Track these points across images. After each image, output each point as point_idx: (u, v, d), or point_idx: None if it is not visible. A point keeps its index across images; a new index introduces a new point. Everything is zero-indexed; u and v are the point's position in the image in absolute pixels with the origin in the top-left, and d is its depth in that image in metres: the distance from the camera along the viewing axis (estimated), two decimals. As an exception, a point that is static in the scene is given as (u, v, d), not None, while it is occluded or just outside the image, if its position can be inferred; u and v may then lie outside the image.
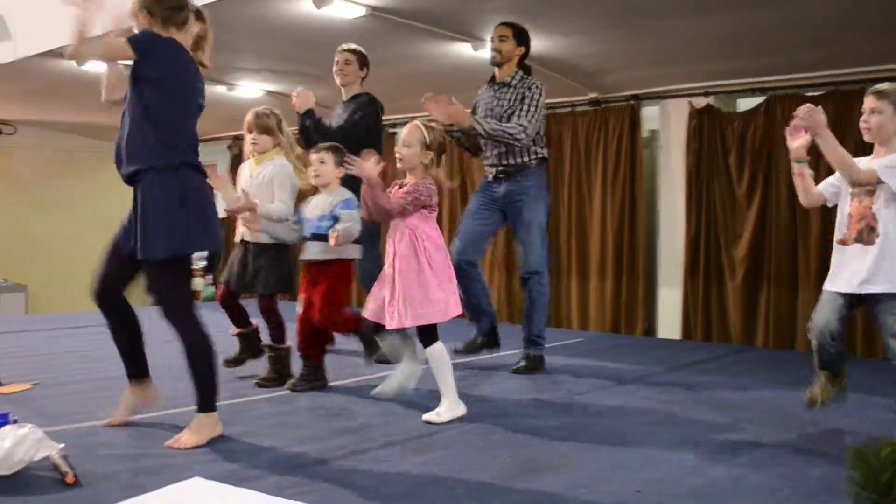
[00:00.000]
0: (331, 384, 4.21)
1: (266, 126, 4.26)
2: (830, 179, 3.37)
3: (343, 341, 4.69)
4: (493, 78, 4.79)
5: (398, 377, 3.62)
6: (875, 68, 5.44)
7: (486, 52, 5.15)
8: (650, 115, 6.85)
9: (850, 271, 3.14)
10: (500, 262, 7.43)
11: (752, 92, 6.25)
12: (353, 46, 4.96)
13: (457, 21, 5.25)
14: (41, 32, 5.90)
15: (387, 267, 3.58)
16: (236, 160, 9.23)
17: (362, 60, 4.96)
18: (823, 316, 3.20)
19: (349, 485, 2.63)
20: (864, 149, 3.35)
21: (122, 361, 3.31)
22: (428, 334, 3.54)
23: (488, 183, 4.78)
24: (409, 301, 3.46)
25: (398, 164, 3.67)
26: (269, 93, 7.56)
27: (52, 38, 5.45)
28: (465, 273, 4.61)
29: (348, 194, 4.03)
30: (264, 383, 4.21)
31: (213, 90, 7.28)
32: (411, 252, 3.51)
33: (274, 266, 4.20)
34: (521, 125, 4.48)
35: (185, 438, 3.03)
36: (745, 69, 5.97)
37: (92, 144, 9.92)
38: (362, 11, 4.95)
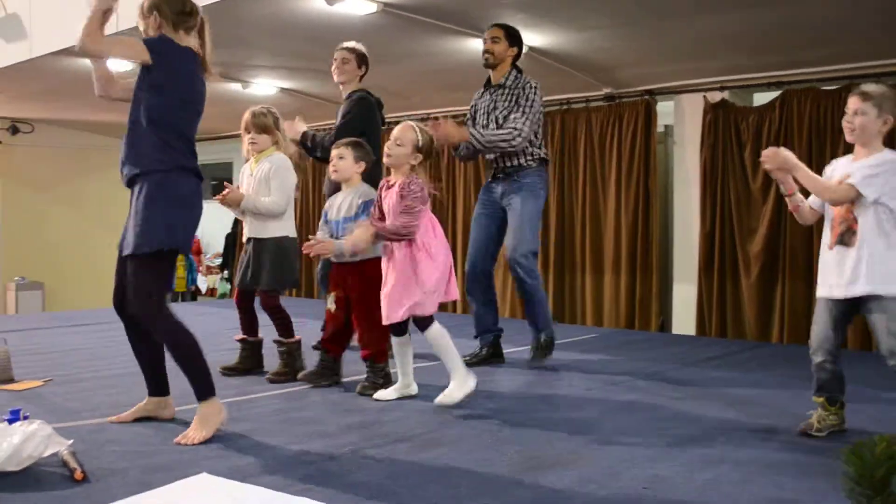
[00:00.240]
0: (344, 379, 4.21)
1: (264, 125, 4.29)
2: None
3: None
4: (488, 81, 4.79)
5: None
6: (892, 61, 5.39)
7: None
8: (665, 110, 6.81)
9: (834, 275, 3.15)
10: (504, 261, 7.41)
11: (768, 86, 6.19)
12: (351, 45, 4.86)
13: (468, 17, 5.24)
14: (57, 31, 5.95)
15: (384, 262, 3.67)
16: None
17: (361, 59, 4.86)
18: (821, 331, 3.21)
19: (357, 481, 2.63)
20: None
21: (142, 375, 3.32)
22: (423, 318, 3.58)
23: (488, 184, 4.81)
24: (406, 292, 3.53)
25: (385, 160, 3.70)
26: (283, 90, 7.58)
27: (68, 36, 5.49)
28: (478, 283, 4.69)
29: (371, 193, 3.99)
30: (276, 378, 4.22)
31: (228, 88, 7.31)
32: (405, 246, 3.60)
33: (276, 263, 4.22)
34: (515, 128, 4.49)
35: (193, 434, 3.04)
36: (761, 63, 5.92)
37: (107, 142, 9.97)
38: (374, 8, 4.96)
